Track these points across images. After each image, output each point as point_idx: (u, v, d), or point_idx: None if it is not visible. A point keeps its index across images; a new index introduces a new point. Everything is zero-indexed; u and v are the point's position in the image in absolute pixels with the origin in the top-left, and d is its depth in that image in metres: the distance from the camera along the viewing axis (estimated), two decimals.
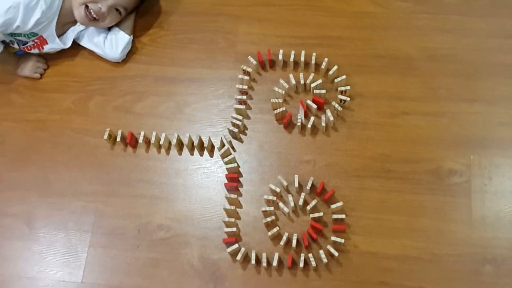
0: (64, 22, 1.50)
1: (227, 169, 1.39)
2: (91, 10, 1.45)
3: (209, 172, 1.41)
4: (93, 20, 1.47)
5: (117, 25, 1.54)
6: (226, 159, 1.39)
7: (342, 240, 1.26)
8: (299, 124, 1.41)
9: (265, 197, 1.34)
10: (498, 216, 1.30)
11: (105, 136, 1.43)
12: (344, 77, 1.43)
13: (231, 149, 1.42)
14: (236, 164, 1.38)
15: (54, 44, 1.51)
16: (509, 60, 1.47)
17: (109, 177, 1.42)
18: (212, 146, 1.43)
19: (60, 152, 1.46)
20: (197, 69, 1.53)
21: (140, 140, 1.43)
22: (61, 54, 1.56)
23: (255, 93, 1.48)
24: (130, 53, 1.56)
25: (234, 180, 1.38)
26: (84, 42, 1.55)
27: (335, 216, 1.30)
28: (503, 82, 1.44)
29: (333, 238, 1.27)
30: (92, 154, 1.45)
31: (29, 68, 1.53)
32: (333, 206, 1.30)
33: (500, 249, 1.27)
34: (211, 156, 1.43)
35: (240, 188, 1.38)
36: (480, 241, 1.28)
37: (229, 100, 1.48)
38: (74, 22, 1.51)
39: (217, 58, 1.54)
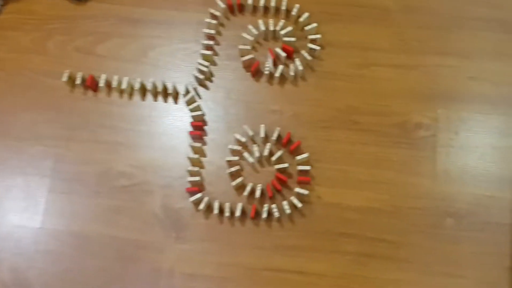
0: None
1: (192, 116, 1.35)
2: None
3: (173, 120, 1.37)
4: None
5: None
6: (191, 106, 1.35)
7: (306, 192, 1.26)
8: (267, 72, 1.37)
9: (230, 146, 1.31)
10: (463, 170, 1.30)
11: (64, 78, 1.37)
12: (315, 25, 1.38)
13: (196, 96, 1.38)
14: (201, 112, 1.35)
15: None
16: (483, 13, 1.44)
17: (69, 121, 1.37)
18: (177, 93, 1.39)
19: (18, 93, 1.40)
20: (163, 10, 1.46)
21: (101, 83, 1.37)
22: None
23: (223, 38, 1.43)
24: None
25: (199, 128, 1.35)
26: None
27: (300, 167, 1.29)
28: (476, 35, 1.42)
29: (297, 189, 1.26)
30: (52, 96, 1.39)
31: None
32: (298, 157, 1.29)
33: (462, 203, 1.28)
34: (176, 103, 1.39)
35: (205, 137, 1.35)
36: (443, 194, 1.28)
37: (196, 45, 1.42)
38: None
39: (185, 0, 1.47)
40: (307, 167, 1.29)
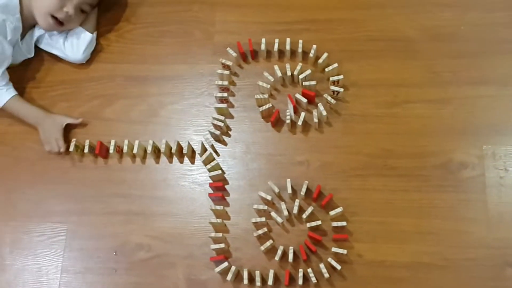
0: (25, 32, 1.37)
1: (210, 177, 1.25)
2: (59, 18, 1.32)
3: (191, 181, 1.27)
4: (59, 25, 1.34)
5: None
6: (209, 166, 1.25)
7: (345, 251, 1.14)
8: (288, 121, 1.28)
9: (255, 206, 1.20)
10: None
11: (71, 148, 1.30)
12: (335, 65, 1.29)
13: (214, 154, 1.28)
14: (220, 171, 1.25)
15: (19, 57, 1.38)
16: None
17: (79, 193, 1.28)
18: (193, 152, 1.29)
19: (23, 168, 1.32)
20: (171, 65, 1.39)
21: (111, 149, 1.28)
22: None
23: (238, 88, 1.34)
24: (95, 52, 1.42)
25: (219, 189, 1.24)
26: (43, 46, 1.41)
27: (334, 223, 1.17)
28: None
29: (334, 249, 1.14)
30: (58, 168, 1.31)
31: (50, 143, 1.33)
32: (332, 212, 1.17)
33: None
34: (192, 162, 1.29)
35: (226, 197, 1.24)
36: (499, 242, 1.15)
37: (209, 99, 1.34)
38: (33, 27, 1.38)
39: (193, 51, 1.40)
40: (343, 223, 1.17)
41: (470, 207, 1.18)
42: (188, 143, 1.28)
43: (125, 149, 1.28)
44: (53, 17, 1.32)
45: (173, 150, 1.28)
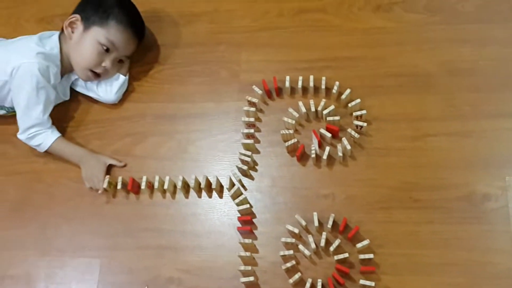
0: (61, 76, 1.43)
1: (238, 211, 1.28)
2: (98, 72, 1.39)
3: (220, 216, 1.30)
4: (97, 77, 1.41)
5: None
6: (237, 200, 1.28)
7: (373, 284, 1.14)
8: (313, 155, 1.30)
9: (283, 239, 1.22)
10: None
11: (105, 184, 1.33)
12: (358, 100, 1.32)
13: (241, 189, 1.31)
14: (248, 205, 1.27)
15: (56, 100, 1.43)
16: None
17: (112, 228, 1.32)
18: (221, 186, 1.33)
19: (58, 205, 1.36)
20: (199, 103, 1.43)
21: (143, 185, 1.32)
22: None
23: (263, 124, 1.38)
24: (127, 92, 1.47)
25: (247, 222, 1.27)
26: (78, 88, 1.47)
27: (362, 256, 1.18)
28: None
29: (362, 281, 1.15)
30: (92, 204, 1.35)
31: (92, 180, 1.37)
32: (358, 245, 1.18)
33: None
34: (220, 197, 1.32)
35: (254, 231, 1.27)
36: None
37: (236, 135, 1.37)
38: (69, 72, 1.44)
39: (220, 90, 1.44)
40: (370, 255, 1.18)
41: (494, 238, 1.18)
42: (217, 178, 1.31)
43: (156, 185, 1.31)
44: (92, 71, 1.38)
45: (202, 185, 1.31)
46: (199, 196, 1.33)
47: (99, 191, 1.34)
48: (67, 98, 1.46)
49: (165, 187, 1.31)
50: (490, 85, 1.34)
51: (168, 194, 1.34)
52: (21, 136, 1.36)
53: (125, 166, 1.37)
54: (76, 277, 1.28)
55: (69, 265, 1.30)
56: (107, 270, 1.28)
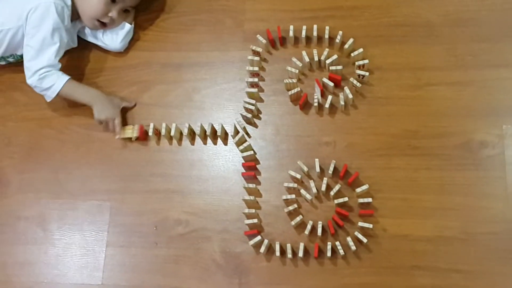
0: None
1: (243, 157, 1.32)
2: (104, 21, 1.40)
3: (225, 161, 1.34)
4: (104, 26, 1.42)
5: None
6: (241, 147, 1.32)
7: (370, 225, 1.20)
8: (316, 104, 1.33)
9: (286, 184, 1.27)
10: None
11: (150, 132, 1.37)
12: (361, 50, 1.33)
13: (245, 136, 1.35)
14: (252, 152, 1.32)
15: (66, 46, 1.44)
16: None
17: (121, 173, 1.36)
18: (226, 134, 1.36)
19: (68, 150, 1.41)
20: (204, 52, 1.45)
21: (150, 132, 1.36)
22: None
23: (267, 74, 1.40)
24: (133, 41, 1.48)
25: (251, 168, 1.31)
26: (84, 36, 1.48)
27: (361, 200, 1.23)
28: None
29: (361, 223, 1.21)
30: (102, 150, 1.39)
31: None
32: (358, 189, 1.23)
33: None
34: (225, 144, 1.36)
35: (258, 176, 1.31)
36: None
37: (240, 84, 1.40)
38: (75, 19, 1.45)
39: (225, 39, 1.45)
40: (369, 199, 1.23)
41: (489, 184, 1.22)
42: (222, 125, 1.35)
43: (163, 132, 1.35)
44: (98, 20, 1.40)
45: (208, 133, 1.35)
46: (205, 143, 1.37)
47: (116, 136, 1.37)
48: (75, 45, 1.48)
49: (172, 134, 1.35)
50: (493, 35, 1.35)
51: (174, 141, 1.37)
52: (31, 79, 1.34)
53: (135, 106, 1.41)
54: (87, 218, 1.34)
55: (81, 208, 1.35)
56: (117, 212, 1.33)
